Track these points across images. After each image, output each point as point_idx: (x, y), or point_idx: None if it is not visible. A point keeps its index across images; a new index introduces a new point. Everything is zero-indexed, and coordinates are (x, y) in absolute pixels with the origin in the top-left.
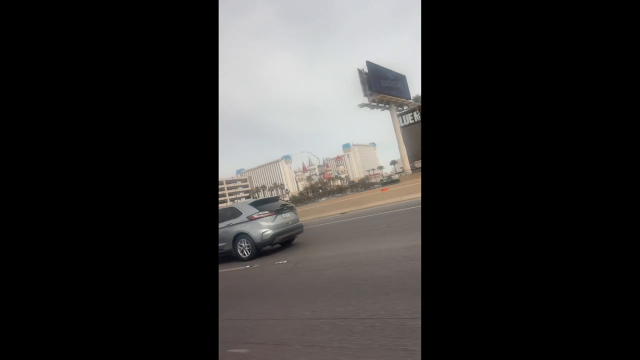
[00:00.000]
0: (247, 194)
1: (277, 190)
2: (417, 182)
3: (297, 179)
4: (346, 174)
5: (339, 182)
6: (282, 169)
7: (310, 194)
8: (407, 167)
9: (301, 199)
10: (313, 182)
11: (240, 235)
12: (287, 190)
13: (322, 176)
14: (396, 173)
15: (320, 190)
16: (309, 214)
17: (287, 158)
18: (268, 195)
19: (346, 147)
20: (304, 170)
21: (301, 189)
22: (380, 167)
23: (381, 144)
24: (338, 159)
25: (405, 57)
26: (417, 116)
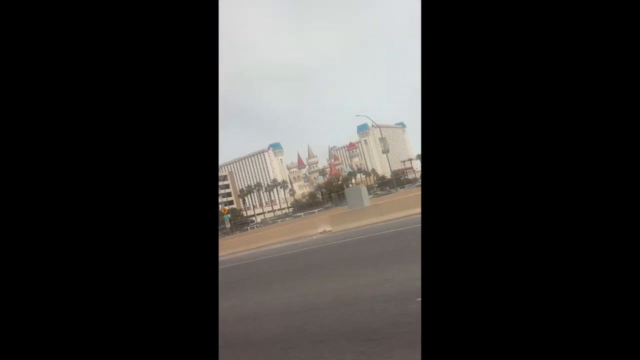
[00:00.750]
0: (228, 201)
1: (276, 191)
2: None
3: (290, 177)
4: (372, 168)
5: (356, 180)
6: (269, 163)
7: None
8: None
9: (311, 203)
10: (318, 182)
11: None
12: (291, 190)
13: (327, 173)
14: None
15: (333, 194)
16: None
17: (276, 147)
18: (267, 198)
19: (363, 129)
20: (300, 164)
21: (299, 191)
22: (419, 156)
23: (413, 122)
24: (351, 147)
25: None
26: None
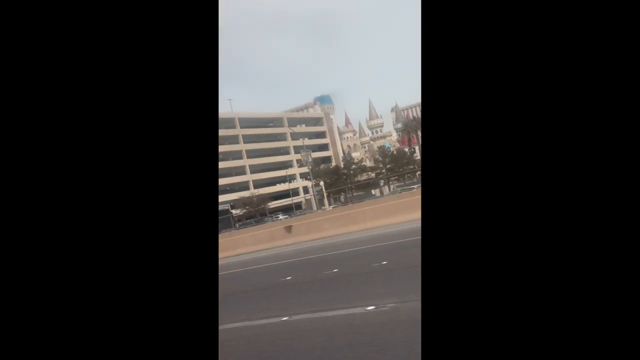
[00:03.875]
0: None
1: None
2: None
3: (345, 146)
4: None
5: None
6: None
7: None
8: None
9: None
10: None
11: None
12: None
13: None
14: None
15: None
16: None
17: (324, 102)
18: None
19: None
20: (352, 130)
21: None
22: None
23: None
24: None
25: None
26: None
